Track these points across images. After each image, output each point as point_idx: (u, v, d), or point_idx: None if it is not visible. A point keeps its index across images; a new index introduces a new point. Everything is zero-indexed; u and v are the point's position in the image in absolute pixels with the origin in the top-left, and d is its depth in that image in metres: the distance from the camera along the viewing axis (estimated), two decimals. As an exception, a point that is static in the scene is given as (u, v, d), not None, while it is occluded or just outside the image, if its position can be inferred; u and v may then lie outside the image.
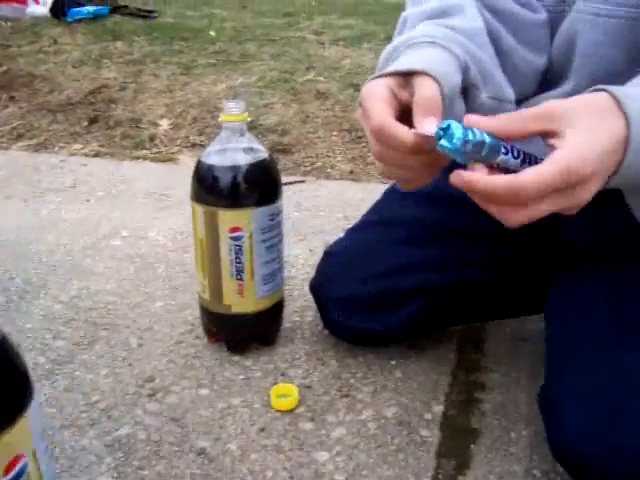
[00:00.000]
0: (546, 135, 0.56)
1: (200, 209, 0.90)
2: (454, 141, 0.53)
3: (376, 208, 1.00)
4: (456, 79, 0.66)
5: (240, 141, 0.90)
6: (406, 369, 0.95)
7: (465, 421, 0.86)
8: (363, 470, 0.78)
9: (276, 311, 0.98)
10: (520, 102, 0.76)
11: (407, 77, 0.63)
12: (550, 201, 0.54)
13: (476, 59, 0.69)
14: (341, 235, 1.03)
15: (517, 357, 0.98)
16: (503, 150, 0.55)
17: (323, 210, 1.51)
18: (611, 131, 0.54)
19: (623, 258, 0.77)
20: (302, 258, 1.27)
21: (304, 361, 0.97)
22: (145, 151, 1.90)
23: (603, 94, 0.56)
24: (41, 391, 0.91)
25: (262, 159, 0.91)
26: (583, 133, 0.53)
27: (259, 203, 0.90)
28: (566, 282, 0.82)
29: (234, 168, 0.89)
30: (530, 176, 0.52)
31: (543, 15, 0.75)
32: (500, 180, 0.53)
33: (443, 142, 0.54)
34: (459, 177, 0.54)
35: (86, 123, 2.10)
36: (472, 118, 0.56)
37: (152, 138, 1.98)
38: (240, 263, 0.91)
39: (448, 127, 0.54)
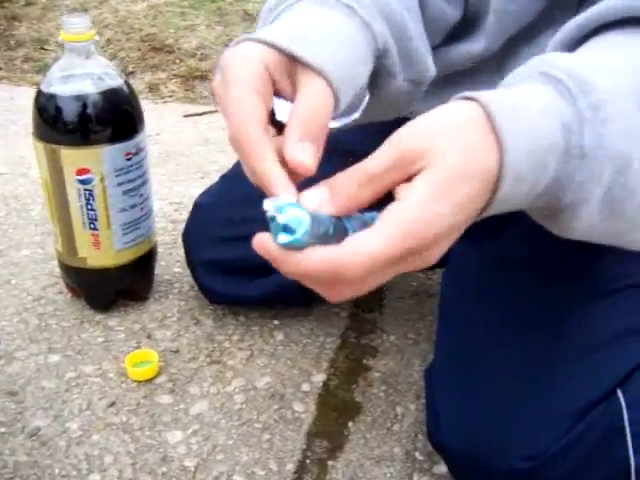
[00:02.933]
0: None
1: (41, 146, 0.76)
2: (298, 237, 0.37)
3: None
4: (361, 78, 0.50)
5: (87, 65, 0.75)
6: (289, 330, 0.84)
7: (347, 393, 0.75)
8: (219, 454, 0.67)
9: (143, 265, 0.86)
10: None
11: (293, 60, 0.45)
12: (383, 274, 0.39)
13: (401, 34, 0.54)
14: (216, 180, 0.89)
15: (420, 316, 0.88)
16: (349, 228, 0.40)
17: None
18: (481, 168, 0.38)
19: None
20: (198, 199, 1.13)
21: (175, 320, 0.85)
22: (48, 76, 1.72)
23: (474, 109, 0.39)
24: None
25: (114, 87, 0.76)
26: (438, 179, 0.37)
27: (111, 140, 0.75)
28: (466, 244, 0.71)
29: (78, 97, 0.74)
30: (352, 255, 0.37)
31: None
32: (315, 257, 0.37)
33: (283, 238, 0.38)
34: (260, 245, 0.39)
35: (-15, 43, 1.89)
36: (309, 201, 0.39)
37: (58, 61, 1.79)
38: (92, 210, 0.78)
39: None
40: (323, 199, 0.38)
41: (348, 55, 0.47)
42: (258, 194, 0.78)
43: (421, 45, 0.56)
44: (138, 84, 1.69)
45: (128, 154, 0.77)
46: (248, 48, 0.45)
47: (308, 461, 0.67)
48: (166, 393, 0.74)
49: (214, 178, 0.90)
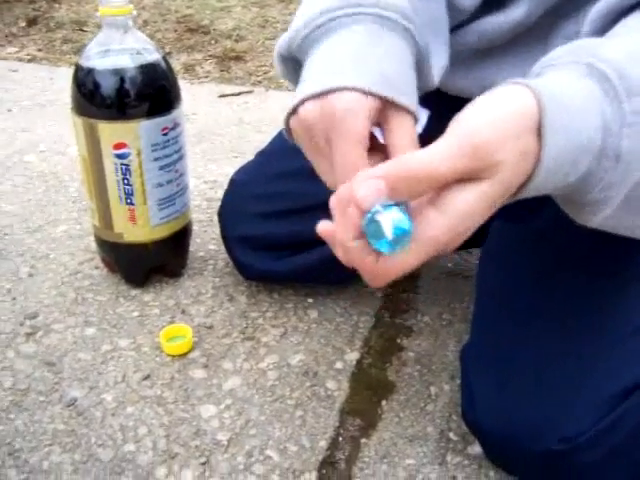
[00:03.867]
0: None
1: (80, 121, 0.76)
2: (397, 247, 0.37)
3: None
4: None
5: (125, 40, 0.75)
6: (324, 308, 0.84)
7: (381, 372, 0.75)
8: (251, 429, 0.67)
9: (178, 240, 0.86)
10: (454, 30, 0.61)
11: (385, 101, 0.47)
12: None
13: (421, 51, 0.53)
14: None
15: (454, 296, 0.87)
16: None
17: (266, 125, 1.36)
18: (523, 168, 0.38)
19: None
20: (233, 179, 1.13)
21: (210, 297, 0.86)
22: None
23: (528, 100, 0.38)
24: None
25: (151, 61, 0.76)
26: (490, 195, 0.38)
27: (148, 114, 0.75)
28: (504, 224, 0.69)
29: (115, 72, 0.74)
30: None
31: None
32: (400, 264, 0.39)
33: (384, 245, 0.37)
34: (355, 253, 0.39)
35: (24, 24, 1.91)
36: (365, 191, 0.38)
37: (95, 42, 1.80)
38: (129, 185, 0.78)
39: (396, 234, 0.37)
40: (380, 193, 0.37)
41: (410, 78, 0.49)
42: (294, 169, 0.78)
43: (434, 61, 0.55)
44: (174, 65, 1.69)
45: (165, 129, 0.77)
46: (357, 102, 0.45)
47: (341, 439, 0.67)
48: (200, 368, 0.75)
49: (248, 158, 0.90)
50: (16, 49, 1.78)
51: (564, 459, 0.54)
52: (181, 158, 0.81)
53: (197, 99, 1.50)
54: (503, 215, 0.71)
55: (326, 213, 0.78)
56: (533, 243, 0.66)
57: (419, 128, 0.52)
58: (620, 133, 0.39)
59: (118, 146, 0.76)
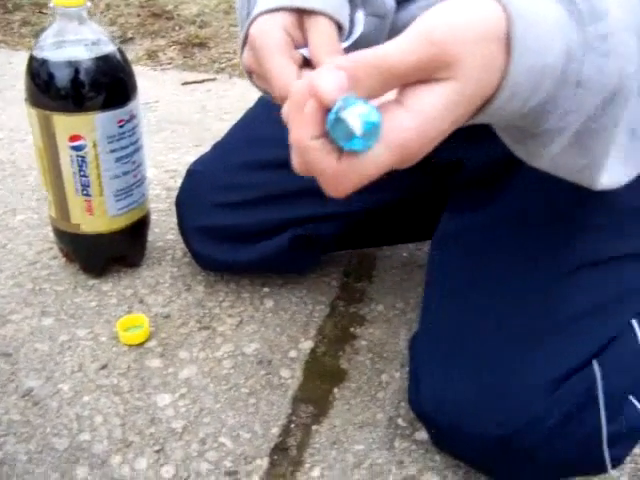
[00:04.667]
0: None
1: (34, 112, 0.76)
2: (370, 142, 0.35)
3: (247, 117, 0.86)
4: (346, 8, 0.55)
5: (80, 31, 0.75)
6: (279, 298, 0.86)
7: (333, 360, 0.77)
8: (205, 417, 0.69)
9: (137, 231, 0.87)
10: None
11: (299, 13, 0.53)
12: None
13: None
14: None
15: (408, 286, 0.89)
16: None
17: (229, 113, 1.37)
18: (488, 81, 0.36)
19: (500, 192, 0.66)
20: (194, 168, 1.14)
21: (168, 287, 0.87)
22: (47, 41, 1.71)
23: (497, 12, 0.36)
24: None
25: (106, 53, 0.76)
26: (457, 93, 0.36)
27: (103, 106, 0.76)
28: (452, 215, 0.72)
29: (70, 64, 0.74)
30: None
31: None
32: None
33: (355, 143, 0.34)
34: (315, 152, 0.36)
35: (-17, 6, 1.88)
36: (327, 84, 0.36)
37: (57, 26, 1.78)
38: (85, 177, 0.78)
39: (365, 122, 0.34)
40: (342, 86, 0.35)
41: None
42: (255, 161, 0.79)
43: None
44: (137, 50, 1.68)
45: (121, 121, 0.78)
46: (266, 21, 0.52)
47: (293, 425, 0.69)
48: (156, 357, 0.76)
49: (210, 146, 0.91)
50: (-26, 32, 1.75)
51: (504, 443, 0.56)
52: (138, 149, 0.82)
53: (160, 86, 1.49)
54: (452, 207, 0.73)
55: (284, 202, 0.79)
56: (479, 233, 0.68)
57: (357, 32, 0.56)
58: (583, 59, 0.38)
59: (74, 138, 0.76)
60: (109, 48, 0.77)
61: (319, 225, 0.80)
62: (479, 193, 0.69)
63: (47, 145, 0.77)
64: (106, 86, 0.76)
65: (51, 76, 0.74)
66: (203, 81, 1.49)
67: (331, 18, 0.52)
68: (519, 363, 0.58)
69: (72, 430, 0.66)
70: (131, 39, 1.74)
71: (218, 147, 0.86)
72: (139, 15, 1.83)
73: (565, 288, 0.59)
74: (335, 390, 0.73)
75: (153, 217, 0.99)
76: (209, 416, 0.69)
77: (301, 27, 0.53)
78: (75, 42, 0.75)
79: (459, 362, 0.60)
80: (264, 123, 0.80)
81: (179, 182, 0.87)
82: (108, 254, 0.86)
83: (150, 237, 0.93)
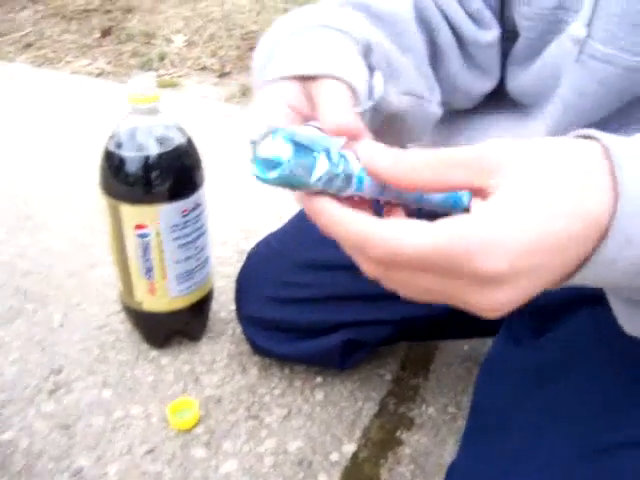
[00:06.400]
0: (474, 192, 0.37)
1: (105, 199, 0.80)
2: (311, 180, 0.36)
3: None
4: (364, 73, 0.49)
5: (152, 124, 0.78)
6: (330, 390, 0.85)
7: (374, 468, 0.76)
8: (238, 521, 0.70)
9: (197, 309, 0.89)
10: None
11: (306, 81, 0.46)
12: (428, 278, 0.35)
13: (379, 45, 0.53)
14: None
15: (464, 387, 0.87)
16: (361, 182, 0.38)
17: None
18: (584, 207, 0.34)
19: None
20: (269, 227, 1.15)
21: (223, 366, 0.89)
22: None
23: (589, 143, 0.35)
24: (-62, 376, 0.86)
25: (176, 146, 0.78)
26: (526, 196, 0.34)
27: (169, 198, 0.78)
28: (504, 341, 0.69)
29: (139, 158, 0.77)
30: (389, 232, 0.34)
31: (494, 32, 0.58)
32: (353, 223, 0.36)
33: (273, 174, 0.36)
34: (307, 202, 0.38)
35: (98, 35, 1.98)
36: (366, 148, 0.38)
37: (162, 57, 1.85)
38: (148, 261, 0.81)
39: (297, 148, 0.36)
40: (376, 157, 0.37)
41: (345, 57, 0.47)
42: (309, 260, 0.79)
43: (409, 62, 0.55)
44: (232, 86, 1.72)
45: (185, 211, 0.80)
46: (266, 92, 0.46)
47: (322, 541, 0.68)
48: (201, 446, 0.78)
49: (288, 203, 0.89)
50: (88, 61, 1.84)
51: None
52: (201, 235, 0.84)
53: (248, 130, 1.52)
54: (507, 333, 0.70)
55: (335, 304, 0.79)
56: (531, 367, 0.65)
57: (376, 94, 0.50)
58: None
59: (139, 227, 0.79)
60: (179, 141, 0.78)
61: (370, 329, 0.79)
62: (534, 327, 0.66)
63: (115, 229, 0.80)
64: (172, 179, 0.78)
65: (120, 168, 0.77)
66: (291, 126, 1.50)
67: (340, 80, 0.45)
68: None
69: (111, 521, 0.69)
70: (228, 74, 1.78)
71: (279, 235, 0.86)
72: (239, 47, 1.87)
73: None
74: (370, 505, 0.72)
75: (220, 283, 1.01)
76: (241, 521, 0.70)
77: (309, 97, 0.46)
78: (147, 135, 0.77)
79: None
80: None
81: (252, 243, 0.87)
82: (168, 330, 0.89)
83: (214, 306, 0.95)
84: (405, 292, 0.37)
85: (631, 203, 0.33)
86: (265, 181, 0.37)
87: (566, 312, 0.64)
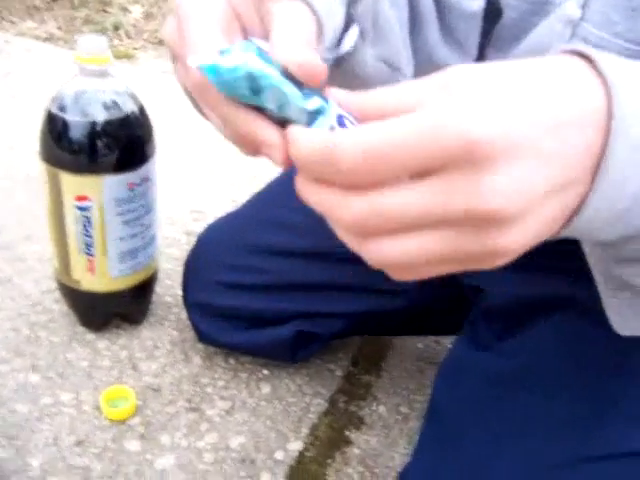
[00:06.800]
0: None
1: (44, 167, 0.73)
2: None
3: (266, 194, 0.81)
4: (339, 17, 0.42)
5: (100, 89, 0.71)
6: (278, 383, 0.81)
7: (320, 468, 0.72)
8: (172, 522, 0.65)
9: (139, 291, 0.83)
10: None
11: None
12: (431, 233, 0.29)
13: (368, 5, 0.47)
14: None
15: (418, 385, 0.83)
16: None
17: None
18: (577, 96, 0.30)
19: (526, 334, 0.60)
20: (221, 210, 1.09)
21: (165, 353, 0.83)
22: (103, 42, 1.70)
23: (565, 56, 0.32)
24: None
25: (126, 113, 0.72)
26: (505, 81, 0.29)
27: (114, 170, 0.72)
28: (465, 344, 0.65)
29: (85, 123, 0.70)
30: (355, 132, 0.29)
31: (480, 2, 0.54)
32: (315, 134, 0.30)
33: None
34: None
35: (49, -2, 1.87)
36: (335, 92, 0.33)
37: (117, 27, 1.76)
38: (89, 237, 0.75)
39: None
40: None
41: None
42: (266, 245, 0.74)
43: (395, 29, 0.49)
44: (191, 63, 1.65)
45: (131, 184, 0.74)
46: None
47: None
48: (136, 438, 0.72)
49: (243, 186, 0.85)
50: (35, 25, 1.74)
51: None
52: (149, 211, 0.78)
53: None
54: (469, 336, 0.67)
55: (290, 294, 0.74)
56: (491, 374, 0.61)
57: (344, 46, 0.45)
58: None
59: (80, 198, 0.72)
60: (130, 107, 0.72)
61: (325, 321, 0.74)
62: (498, 331, 0.63)
63: (54, 200, 0.74)
64: (120, 149, 0.72)
65: (63, 134, 0.71)
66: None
67: (306, 4, 0.37)
68: None
69: (30, 518, 0.63)
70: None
71: (232, 219, 0.81)
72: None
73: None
74: (314, 508, 0.68)
75: (166, 266, 0.95)
76: (175, 522, 0.65)
77: (258, 9, 0.37)
78: (94, 100, 0.71)
79: None
80: (282, 206, 0.75)
81: (203, 227, 0.82)
82: (107, 312, 0.83)
83: (159, 289, 0.90)
84: (404, 260, 0.30)
85: (628, 104, 0.30)
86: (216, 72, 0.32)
87: (530, 316, 0.62)
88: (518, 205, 0.28)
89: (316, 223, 0.72)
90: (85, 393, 0.76)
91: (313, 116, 0.33)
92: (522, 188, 0.28)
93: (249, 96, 0.33)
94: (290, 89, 0.33)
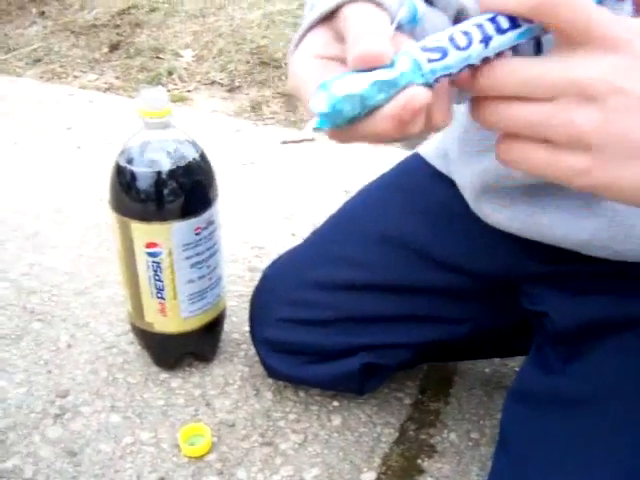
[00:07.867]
0: None
1: (115, 216, 0.77)
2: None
3: (327, 230, 0.83)
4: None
5: (164, 138, 0.75)
6: (348, 414, 0.82)
7: (395, 499, 0.72)
8: None
9: (209, 330, 0.86)
10: None
11: (332, 21, 0.40)
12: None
13: None
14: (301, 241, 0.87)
15: (486, 412, 0.83)
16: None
17: (327, 178, 1.34)
18: None
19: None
20: (281, 245, 1.12)
21: (237, 389, 0.85)
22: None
23: None
24: (-59, 399, 0.83)
25: (189, 161, 0.76)
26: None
27: (181, 216, 0.75)
28: (533, 368, 0.66)
29: (151, 173, 0.74)
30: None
31: None
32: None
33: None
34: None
35: (107, 49, 1.96)
36: None
37: (170, 72, 1.83)
38: (160, 281, 0.78)
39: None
40: None
41: None
42: (328, 280, 0.76)
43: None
44: (243, 101, 1.70)
45: (198, 229, 0.77)
46: (297, 56, 0.41)
47: None
48: (214, 474, 0.74)
49: (299, 220, 0.86)
50: (96, 76, 1.83)
51: None
52: (214, 253, 0.81)
53: (259, 145, 1.49)
54: (536, 360, 0.67)
55: (353, 327, 0.75)
56: (558, 398, 0.61)
57: (418, 10, 0.43)
58: None
59: (150, 245, 0.76)
60: (191, 155, 0.76)
61: (390, 352, 0.75)
62: (565, 354, 0.63)
63: (125, 247, 0.78)
64: (185, 196, 0.75)
65: (131, 185, 0.74)
66: (302, 141, 1.47)
67: (379, 7, 0.39)
68: None
69: None
70: (238, 87, 1.76)
71: (295, 254, 0.83)
72: (248, 62, 1.85)
73: None
74: (392, 538, 0.68)
75: (232, 303, 0.98)
76: None
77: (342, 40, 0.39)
78: (158, 150, 0.75)
79: None
80: (343, 242, 0.77)
81: (265, 263, 0.84)
82: (179, 351, 0.86)
83: (227, 327, 0.92)
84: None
85: None
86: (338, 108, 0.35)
87: (597, 339, 0.61)
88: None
89: (376, 257, 0.74)
90: (163, 431, 0.79)
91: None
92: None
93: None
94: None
